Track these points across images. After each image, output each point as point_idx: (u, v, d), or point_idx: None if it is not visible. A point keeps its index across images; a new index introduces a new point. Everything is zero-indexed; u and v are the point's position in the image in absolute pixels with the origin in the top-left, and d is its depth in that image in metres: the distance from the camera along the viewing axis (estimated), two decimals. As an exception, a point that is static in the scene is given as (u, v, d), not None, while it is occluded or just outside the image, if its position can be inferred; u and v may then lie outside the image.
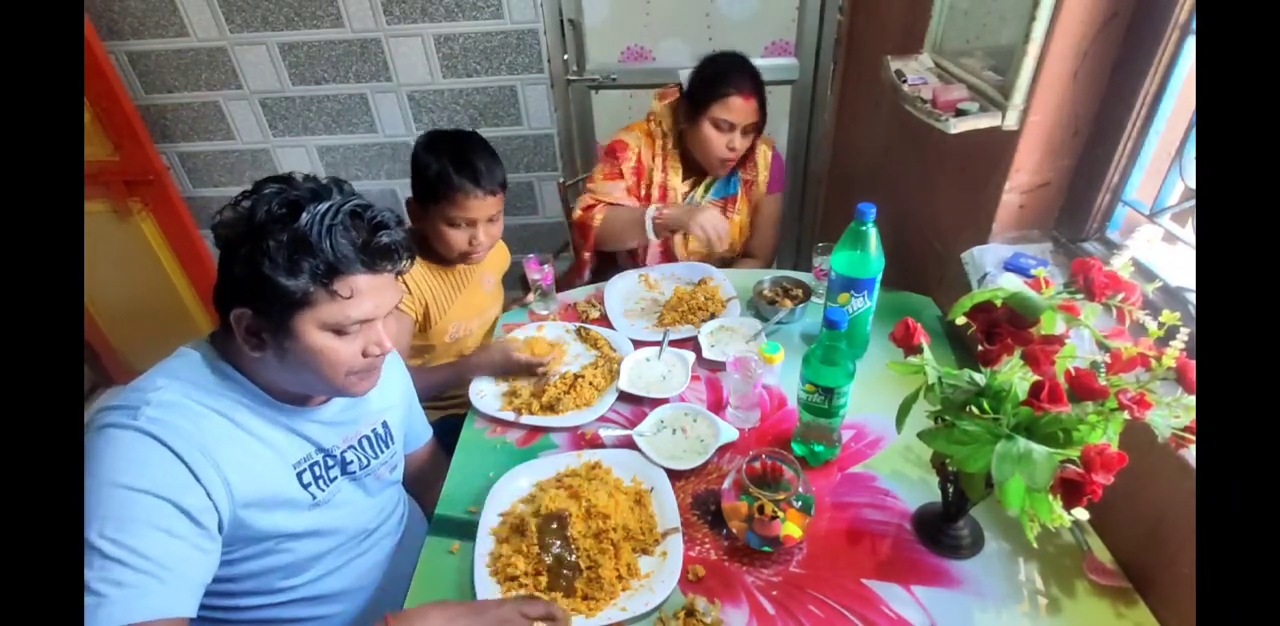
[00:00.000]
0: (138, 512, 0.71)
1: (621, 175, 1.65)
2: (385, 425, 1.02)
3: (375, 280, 0.81)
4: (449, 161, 1.23)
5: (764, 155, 1.72)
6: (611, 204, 1.64)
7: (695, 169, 1.69)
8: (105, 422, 0.75)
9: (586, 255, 1.75)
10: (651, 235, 1.56)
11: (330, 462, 0.92)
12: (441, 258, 1.37)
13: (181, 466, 0.75)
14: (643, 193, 1.68)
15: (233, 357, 0.84)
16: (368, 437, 0.98)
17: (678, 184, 1.68)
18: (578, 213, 1.67)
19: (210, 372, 0.83)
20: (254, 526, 0.82)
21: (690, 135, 1.60)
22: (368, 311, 0.80)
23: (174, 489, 0.73)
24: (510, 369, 1.29)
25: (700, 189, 1.71)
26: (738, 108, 1.51)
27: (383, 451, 1.01)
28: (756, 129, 1.59)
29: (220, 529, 0.78)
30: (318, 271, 0.75)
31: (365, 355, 0.83)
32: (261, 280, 0.74)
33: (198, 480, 0.75)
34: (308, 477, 0.89)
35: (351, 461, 0.95)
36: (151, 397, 0.78)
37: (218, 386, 0.82)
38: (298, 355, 0.79)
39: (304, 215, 0.75)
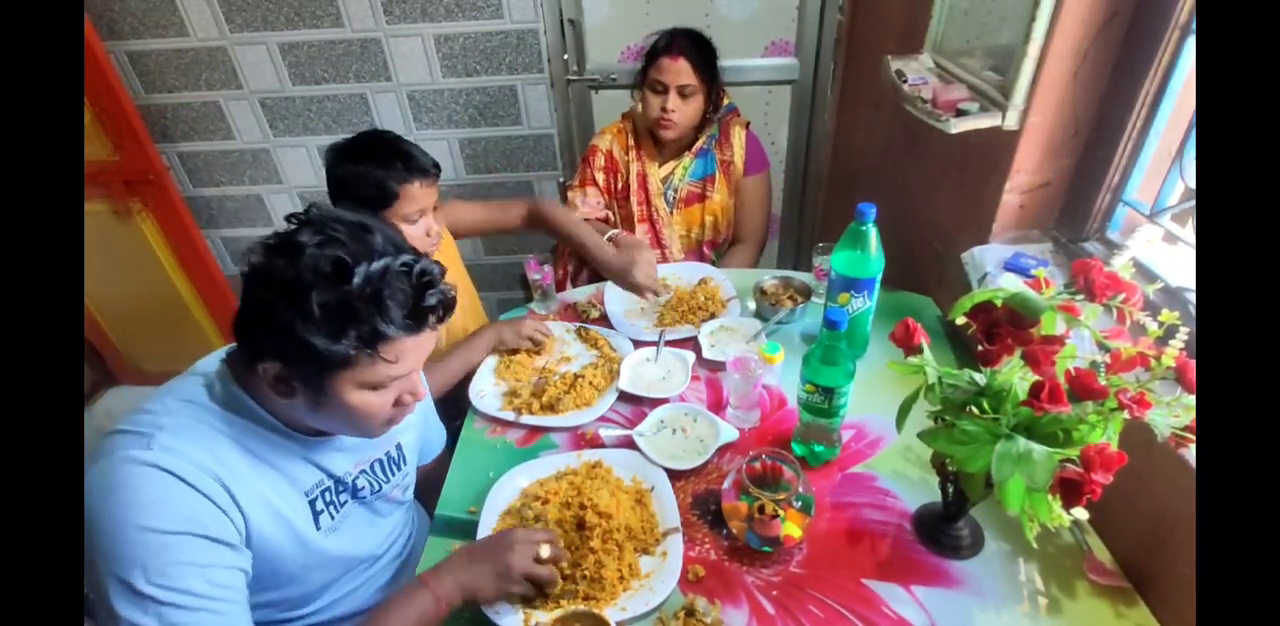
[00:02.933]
0: (177, 555, 0.71)
1: (594, 181, 1.75)
2: (399, 447, 1.00)
3: (420, 339, 0.77)
4: (385, 159, 1.17)
5: (739, 135, 1.75)
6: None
7: (669, 153, 1.75)
8: (119, 453, 0.73)
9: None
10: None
11: (340, 488, 0.91)
12: None
13: (201, 498, 0.74)
14: (619, 185, 1.75)
15: (249, 387, 0.81)
16: (380, 461, 0.97)
17: (654, 170, 1.74)
18: None
19: (224, 399, 0.80)
20: (264, 556, 0.81)
21: (641, 108, 1.66)
22: (408, 368, 0.78)
23: (201, 523, 0.73)
24: (512, 340, 1.33)
25: (679, 170, 1.75)
26: (667, 68, 1.57)
27: (394, 474, 0.99)
28: (703, 93, 1.62)
29: (247, 543, 0.78)
30: (363, 337, 0.71)
31: (398, 404, 0.82)
32: (298, 342, 0.70)
33: (218, 507, 0.75)
34: (320, 504, 0.87)
35: (363, 487, 0.93)
36: (165, 422, 0.76)
37: (231, 413, 0.80)
38: (330, 409, 0.77)
39: (355, 279, 0.69)
